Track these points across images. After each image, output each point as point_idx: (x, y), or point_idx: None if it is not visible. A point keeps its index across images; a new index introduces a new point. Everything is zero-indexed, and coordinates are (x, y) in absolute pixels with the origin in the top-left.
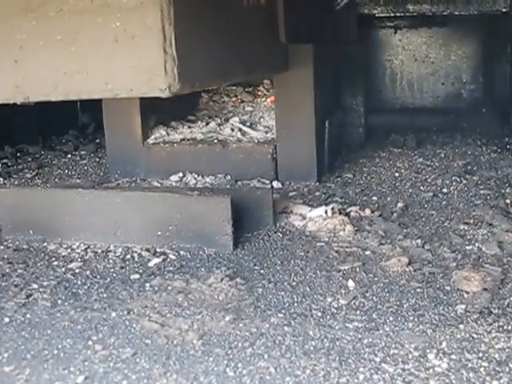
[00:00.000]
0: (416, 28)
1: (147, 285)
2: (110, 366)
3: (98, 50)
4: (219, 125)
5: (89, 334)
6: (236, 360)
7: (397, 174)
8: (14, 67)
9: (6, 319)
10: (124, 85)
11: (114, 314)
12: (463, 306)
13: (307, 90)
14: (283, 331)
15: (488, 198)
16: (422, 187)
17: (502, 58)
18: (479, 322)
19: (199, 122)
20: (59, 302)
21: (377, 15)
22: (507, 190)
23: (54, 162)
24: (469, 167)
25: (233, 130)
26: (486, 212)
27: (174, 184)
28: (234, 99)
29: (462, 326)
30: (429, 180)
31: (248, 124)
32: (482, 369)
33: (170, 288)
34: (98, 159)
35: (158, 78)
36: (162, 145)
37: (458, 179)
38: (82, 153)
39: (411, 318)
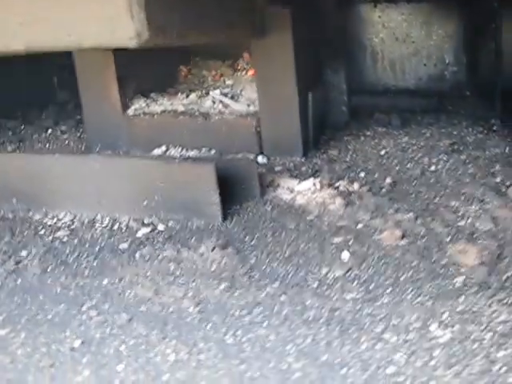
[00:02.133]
0: (395, 2)
1: (137, 254)
2: (106, 332)
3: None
4: (200, 97)
5: (82, 300)
6: (234, 328)
7: (383, 152)
8: None
9: None
10: (89, 34)
11: (105, 282)
12: (461, 279)
13: (287, 60)
14: (280, 301)
15: (477, 176)
16: (409, 165)
17: (486, 37)
18: (478, 296)
19: (179, 95)
20: (49, 269)
21: None
22: (496, 169)
23: (34, 137)
24: (455, 146)
25: (214, 102)
26: (476, 189)
27: (155, 156)
28: (213, 73)
29: (461, 299)
30: (415, 158)
31: (229, 96)
32: (485, 341)
33: (160, 257)
34: (78, 134)
35: (124, 24)
36: (142, 116)
37: (445, 158)
38: (63, 128)
39: (409, 291)
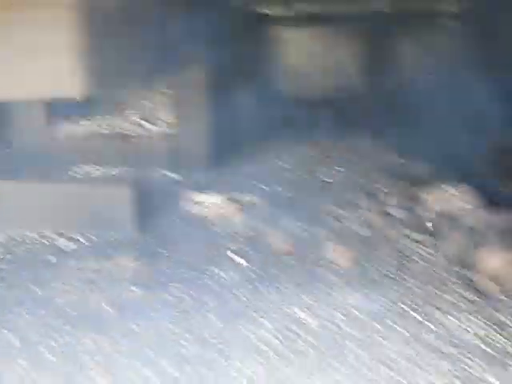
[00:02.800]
0: (303, 26)
1: (64, 266)
2: (44, 333)
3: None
4: (120, 118)
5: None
6: (143, 320)
7: (284, 165)
8: None
9: None
10: (44, 89)
11: (38, 291)
12: (335, 278)
13: (200, 89)
14: (183, 298)
15: (363, 184)
16: (305, 176)
17: (382, 56)
18: (345, 288)
19: (100, 117)
20: None
21: (265, 13)
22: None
23: None
24: (349, 158)
25: (133, 124)
26: (359, 197)
27: (80, 176)
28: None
29: (328, 290)
30: (312, 169)
31: (147, 119)
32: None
33: (82, 268)
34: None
35: (73, 83)
36: (65, 138)
37: (338, 169)
38: None
39: (291, 288)
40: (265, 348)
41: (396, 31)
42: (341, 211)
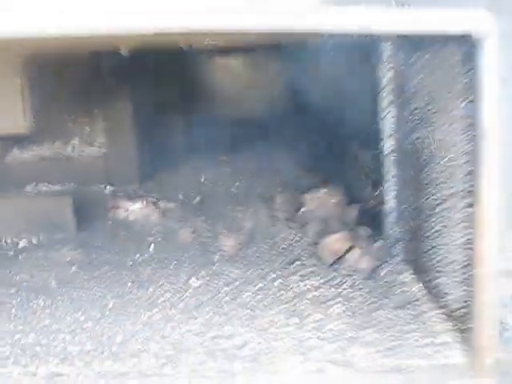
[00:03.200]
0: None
1: (20, 257)
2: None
3: None
4: (63, 143)
5: None
6: (81, 290)
7: (202, 178)
8: None
9: None
10: None
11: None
12: (218, 256)
13: (128, 117)
14: (110, 276)
15: (263, 192)
16: (218, 187)
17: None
18: (227, 264)
19: (46, 142)
20: None
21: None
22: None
23: None
24: (259, 171)
25: (74, 147)
26: (255, 203)
27: (29, 191)
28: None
29: (214, 267)
30: (225, 181)
31: (85, 142)
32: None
33: (35, 257)
34: None
35: (20, 121)
36: (16, 163)
37: (247, 180)
38: None
39: (190, 265)
40: (166, 304)
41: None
42: (237, 214)
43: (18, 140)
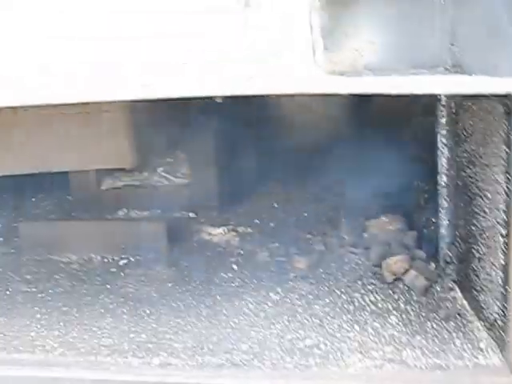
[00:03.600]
0: None
1: (121, 273)
2: None
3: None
4: (150, 173)
5: None
6: (181, 310)
7: (275, 205)
8: None
9: None
10: (107, 162)
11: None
12: (294, 274)
13: (210, 150)
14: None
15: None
16: (290, 213)
17: None
18: (300, 281)
19: (135, 172)
20: None
21: None
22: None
23: None
24: (326, 197)
25: (160, 177)
26: (324, 224)
27: (121, 216)
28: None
29: (289, 283)
30: (296, 207)
31: (170, 173)
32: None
33: (135, 274)
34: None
35: (127, 158)
36: (111, 190)
37: (315, 206)
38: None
39: (266, 282)
40: (249, 313)
41: None
42: (308, 237)
43: (111, 170)
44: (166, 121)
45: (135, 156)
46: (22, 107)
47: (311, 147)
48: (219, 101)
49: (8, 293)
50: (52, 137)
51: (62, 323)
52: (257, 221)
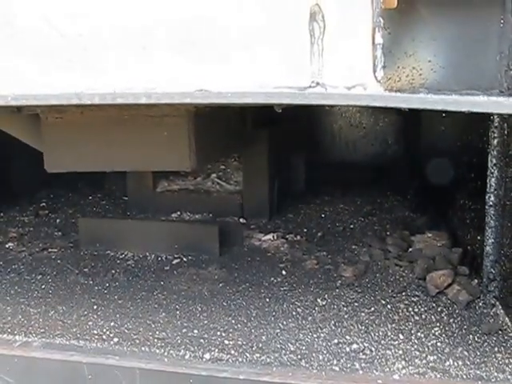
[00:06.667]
0: None
1: (174, 271)
2: None
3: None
4: (203, 179)
5: None
6: (231, 309)
7: (323, 215)
8: None
9: None
10: (166, 164)
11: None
12: (340, 282)
13: (264, 160)
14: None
15: (377, 230)
16: (337, 224)
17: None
18: (346, 289)
19: (189, 177)
20: None
21: None
22: (392, 226)
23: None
24: (373, 211)
25: (213, 183)
26: (370, 238)
27: (175, 218)
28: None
29: (336, 291)
30: (343, 219)
31: (223, 179)
32: (344, 309)
33: (187, 273)
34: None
35: (186, 161)
36: (165, 192)
37: (362, 219)
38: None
39: (314, 289)
40: (297, 316)
41: None
42: (355, 248)
43: (167, 173)
44: (224, 128)
45: (195, 160)
46: (89, 108)
47: (363, 161)
48: (278, 110)
49: (67, 284)
50: (117, 137)
51: (117, 315)
52: (305, 229)
